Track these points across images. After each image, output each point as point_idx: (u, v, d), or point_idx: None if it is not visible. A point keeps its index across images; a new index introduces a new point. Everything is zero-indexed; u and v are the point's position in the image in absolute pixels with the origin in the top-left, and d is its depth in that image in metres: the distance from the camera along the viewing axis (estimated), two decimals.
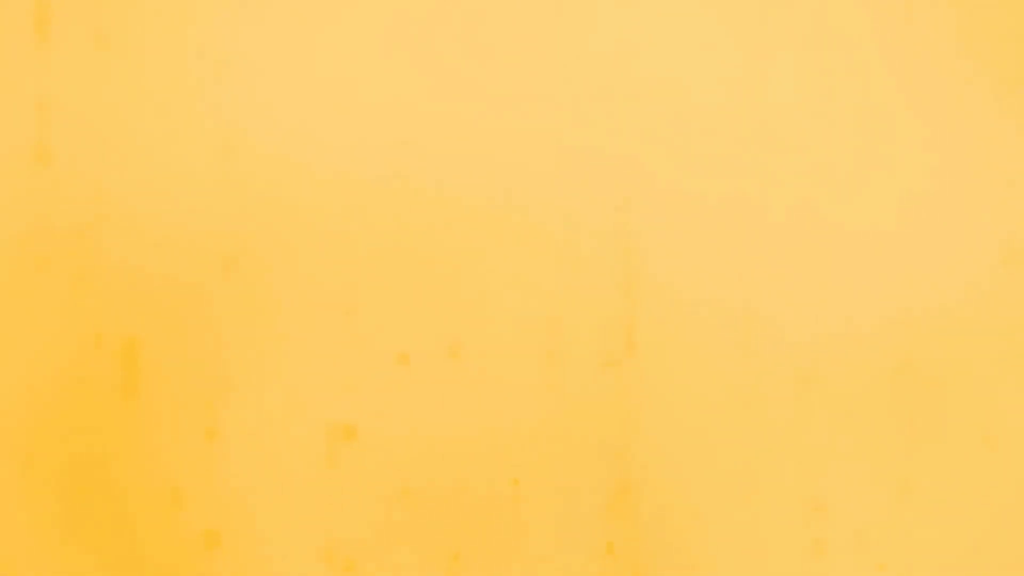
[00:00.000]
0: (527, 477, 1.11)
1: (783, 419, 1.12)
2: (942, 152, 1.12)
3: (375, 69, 1.11)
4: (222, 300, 1.10)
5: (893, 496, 1.12)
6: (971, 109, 1.13)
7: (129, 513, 1.10)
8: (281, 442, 1.11)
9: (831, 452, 1.12)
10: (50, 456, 1.09)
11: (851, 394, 1.12)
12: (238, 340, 1.10)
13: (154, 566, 1.10)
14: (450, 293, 1.11)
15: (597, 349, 1.12)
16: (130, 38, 1.10)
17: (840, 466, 1.12)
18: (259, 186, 1.10)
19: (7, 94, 1.09)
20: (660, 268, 1.12)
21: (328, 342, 1.11)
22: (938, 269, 1.12)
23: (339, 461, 1.11)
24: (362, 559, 1.11)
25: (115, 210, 1.10)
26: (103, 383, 1.09)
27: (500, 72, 1.11)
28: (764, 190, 1.12)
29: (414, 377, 1.11)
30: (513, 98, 1.12)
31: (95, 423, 1.10)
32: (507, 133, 1.12)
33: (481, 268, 1.11)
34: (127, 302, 1.10)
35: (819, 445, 1.12)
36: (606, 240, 1.12)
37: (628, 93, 1.12)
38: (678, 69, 1.12)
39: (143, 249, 1.09)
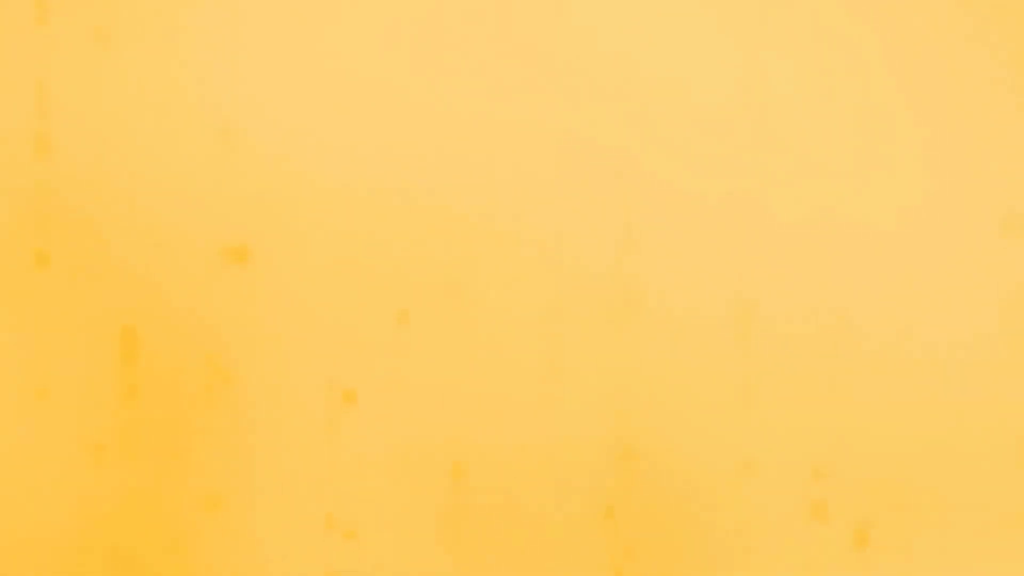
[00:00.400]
0: (527, 442, 1.11)
1: (784, 386, 1.12)
2: (940, 145, 1.13)
3: (372, 57, 1.12)
4: (221, 280, 1.10)
5: (892, 462, 1.12)
6: (968, 101, 1.13)
7: (130, 474, 1.10)
8: (282, 407, 1.11)
9: (830, 418, 1.12)
10: (50, 435, 1.09)
11: (851, 363, 1.12)
12: (238, 315, 1.10)
13: (155, 528, 1.10)
14: (449, 258, 1.11)
15: (598, 313, 1.12)
16: (130, 27, 1.11)
17: (839, 432, 1.12)
18: (258, 172, 1.11)
19: (7, 83, 1.10)
20: (659, 235, 1.12)
21: (327, 308, 1.11)
22: (937, 255, 1.13)
23: (340, 426, 1.11)
24: (363, 525, 1.11)
25: (115, 200, 1.10)
26: (103, 363, 1.10)
27: (503, 59, 1.12)
28: (762, 167, 1.13)
29: (414, 339, 1.11)
30: (515, 84, 1.12)
31: (95, 398, 1.10)
32: (507, 115, 1.12)
33: (482, 238, 1.11)
34: (126, 289, 1.10)
35: (819, 411, 1.12)
36: (605, 206, 1.12)
37: (628, 91, 1.12)
38: (678, 69, 1.12)
39: (143, 236, 1.10)
